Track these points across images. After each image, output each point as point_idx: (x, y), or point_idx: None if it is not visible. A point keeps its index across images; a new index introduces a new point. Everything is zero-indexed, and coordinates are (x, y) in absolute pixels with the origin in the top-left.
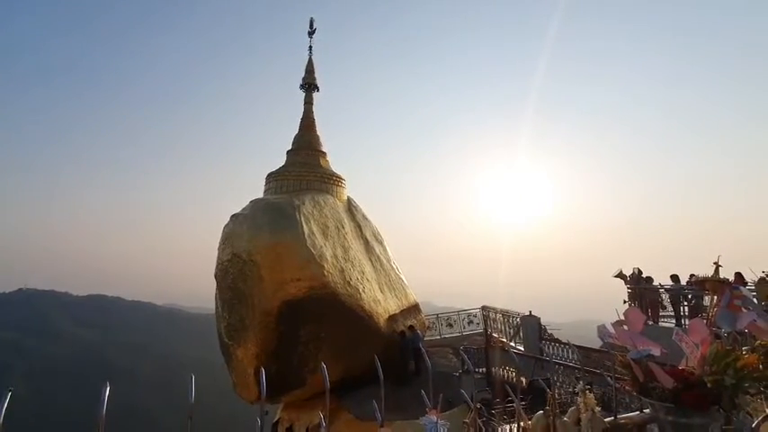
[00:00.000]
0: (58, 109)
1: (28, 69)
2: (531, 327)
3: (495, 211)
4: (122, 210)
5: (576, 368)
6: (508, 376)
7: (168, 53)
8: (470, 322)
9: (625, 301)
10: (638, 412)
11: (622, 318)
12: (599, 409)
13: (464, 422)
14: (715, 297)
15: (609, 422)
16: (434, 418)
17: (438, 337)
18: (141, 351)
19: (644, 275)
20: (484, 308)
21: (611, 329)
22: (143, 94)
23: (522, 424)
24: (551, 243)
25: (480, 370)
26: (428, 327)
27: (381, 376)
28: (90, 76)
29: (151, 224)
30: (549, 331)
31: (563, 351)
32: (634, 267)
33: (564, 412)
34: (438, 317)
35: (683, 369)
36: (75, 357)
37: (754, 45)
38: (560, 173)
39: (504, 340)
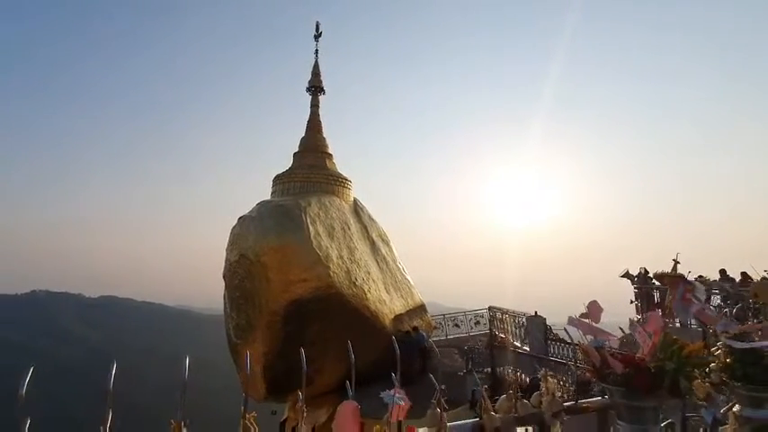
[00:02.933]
0: (68, 109)
1: (38, 66)
2: (536, 327)
3: (506, 210)
4: (135, 211)
5: (579, 367)
6: (512, 375)
7: (178, 53)
8: (477, 323)
9: (632, 301)
10: (599, 398)
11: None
12: (559, 393)
13: (431, 402)
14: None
15: (570, 406)
16: (392, 392)
17: (444, 338)
18: (151, 352)
19: (650, 275)
20: (491, 308)
21: (576, 320)
22: (150, 96)
23: (487, 405)
24: (560, 243)
25: (485, 370)
26: (435, 327)
27: (352, 358)
28: (97, 75)
29: (162, 225)
30: (554, 331)
31: (568, 351)
32: (641, 267)
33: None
34: (445, 317)
35: (633, 355)
36: (86, 359)
37: (762, 44)
38: (569, 172)
39: (511, 340)
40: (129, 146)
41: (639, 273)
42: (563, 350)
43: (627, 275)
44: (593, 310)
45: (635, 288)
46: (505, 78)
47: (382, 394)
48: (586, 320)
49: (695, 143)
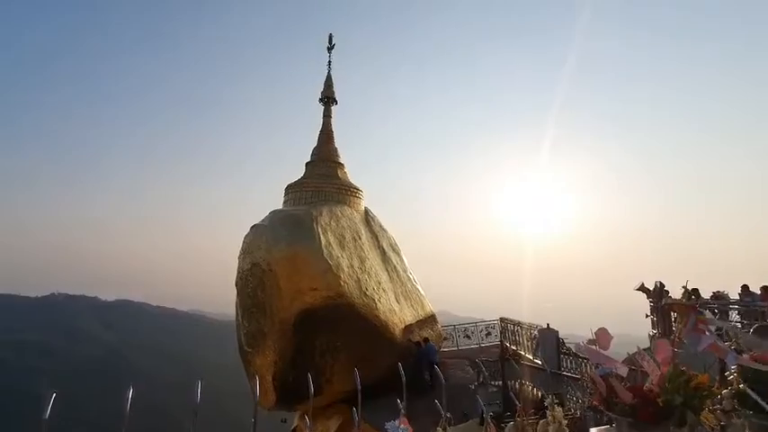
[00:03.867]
0: (84, 114)
1: (52, 69)
2: (549, 340)
3: (518, 219)
4: (149, 215)
5: (590, 383)
6: (523, 389)
7: (193, 62)
8: (489, 334)
9: (647, 315)
10: (607, 426)
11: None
12: (566, 422)
13: (438, 429)
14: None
15: None
16: (397, 423)
17: (455, 349)
18: (164, 355)
19: (666, 289)
20: (502, 319)
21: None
22: (163, 102)
23: None
24: (574, 252)
25: (497, 383)
26: (445, 338)
27: (359, 385)
28: (113, 81)
29: (176, 230)
30: (567, 345)
31: (581, 365)
32: (656, 281)
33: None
34: (455, 328)
35: (642, 386)
36: (102, 361)
37: None
38: (586, 182)
39: (522, 353)
40: (145, 153)
41: (655, 287)
42: (576, 364)
43: (642, 289)
44: (602, 337)
45: (651, 302)
46: (518, 84)
47: (387, 425)
48: (594, 347)
49: (715, 150)
